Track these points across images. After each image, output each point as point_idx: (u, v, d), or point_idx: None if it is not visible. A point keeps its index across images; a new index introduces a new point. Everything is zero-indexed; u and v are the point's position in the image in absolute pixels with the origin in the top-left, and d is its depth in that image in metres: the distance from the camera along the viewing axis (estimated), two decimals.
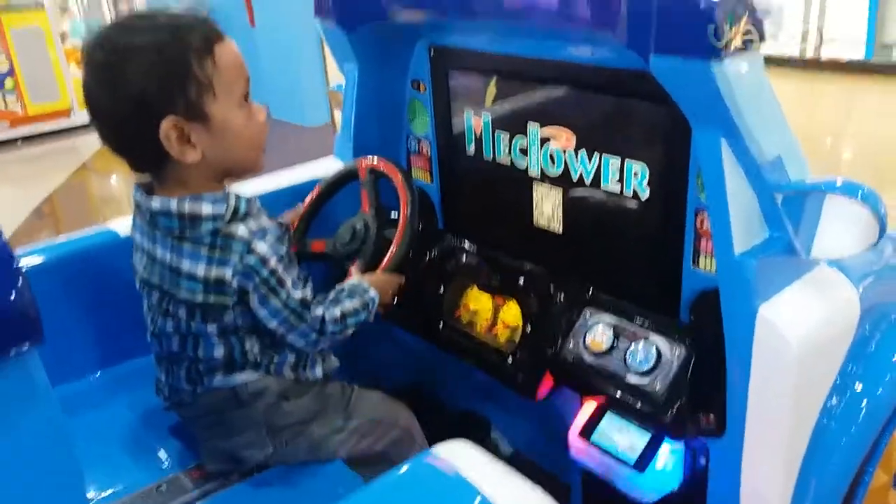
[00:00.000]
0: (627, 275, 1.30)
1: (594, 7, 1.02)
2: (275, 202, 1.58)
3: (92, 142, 6.18)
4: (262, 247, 1.02)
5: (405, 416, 1.28)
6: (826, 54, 7.02)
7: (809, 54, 7.07)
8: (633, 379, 1.16)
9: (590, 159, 1.28)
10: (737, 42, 0.90)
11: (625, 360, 1.18)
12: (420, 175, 1.70)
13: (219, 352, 1.08)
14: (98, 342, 1.37)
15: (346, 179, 1.49)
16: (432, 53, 1.53)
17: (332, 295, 1.17)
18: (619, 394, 1.17)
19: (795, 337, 0.99)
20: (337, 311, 1.13)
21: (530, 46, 1.32)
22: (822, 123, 5.86)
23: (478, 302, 1.43)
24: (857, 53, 6.97)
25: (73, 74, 6.35)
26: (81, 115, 6.25)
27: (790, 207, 1.02)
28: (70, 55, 6.74)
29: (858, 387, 1.18)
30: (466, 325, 1.43)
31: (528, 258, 1.44)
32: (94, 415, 1.27)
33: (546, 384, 1.28)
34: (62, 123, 6.16)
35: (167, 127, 0.96)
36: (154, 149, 0.98)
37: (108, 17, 7.32)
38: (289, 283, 1.05)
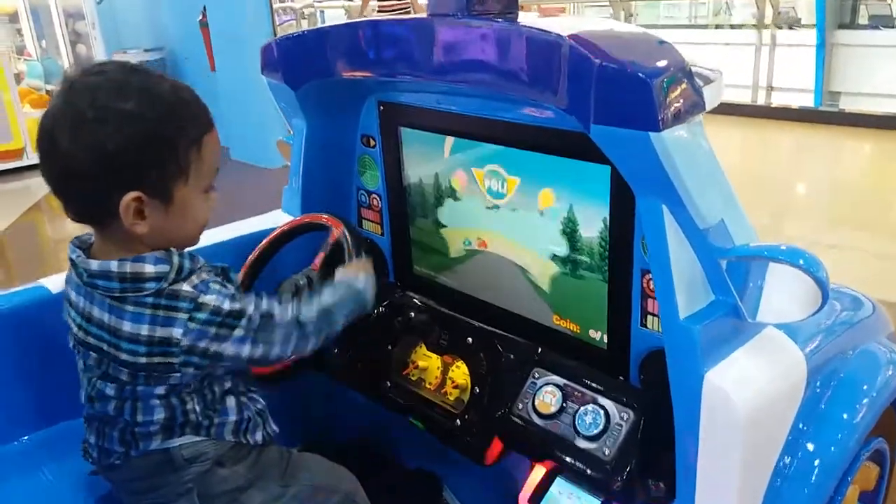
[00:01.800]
0: (576, 334, 1.29)
1: (536, 75, 1.03)
2: (220, 254, 1.55)
3: (43, 182, 6.11)
4: (209, 298, 0.99)
5: (347, 480, 1.24)
6: (776, 101, 7.30)
7: (760, 102, 7.33)
8: (581, 443, 1.14)
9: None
10: (675, 112, 0.91)
11: (573, 423, 1.15)
12: (371, 227, 1.68)
13: (159, 415, 1.04)
14: (24, 405, 1.29)
15: (304, 230, 1.47)
16: (381, 109, 1.53)
17: (306, 294, 1.17)
18: (567, 459, 1.15)
19: (743, 401, 0.98)
20: (313, 309, 1.11)
21: (478, 105, 1.32)
22: (773, 167, 6.04)
23: (426, 360, 1.40)
24: (806, 101, 7.26)
25: (27, 115, 6.25)
26: (34, 156, 6.14)
27: (735, 272, 1.02)
28: (24, 95, 6.65)
29: (810, 446, 1.18)
30: (415, 383, 1.40)
31: (477, 315, 1.42)
32: (18, 482, 1.20)
33: (496, 447, 1.25)
34: (15, 163, 6.04)
35: (129, 199, 0.94)
36: (106, 211, 0.96)
37: (65, 59, 7.25)
38: (249, 308, 1.02)
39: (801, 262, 0.94)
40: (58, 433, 1.27)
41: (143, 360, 0.99)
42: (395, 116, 1.51)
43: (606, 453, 1.11)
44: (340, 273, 1.25)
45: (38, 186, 5.93)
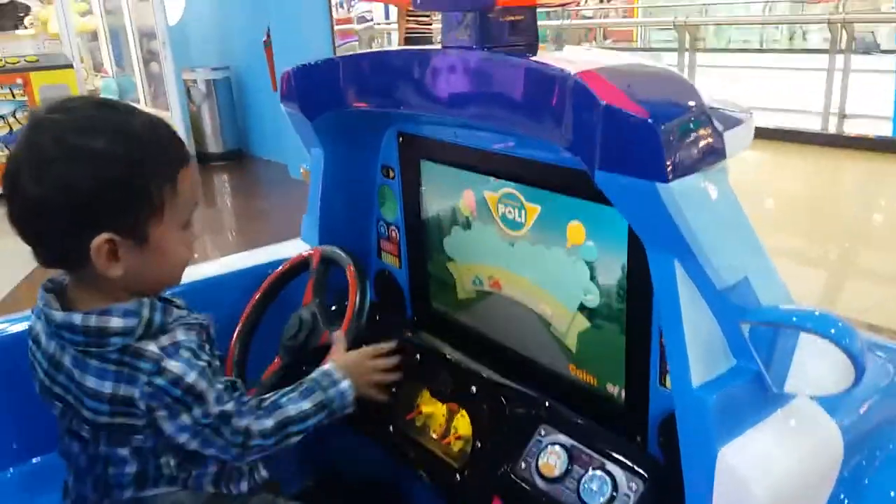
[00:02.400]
0: (593, 387, 1.20)
1: (540, 112, 0.95)
2: (236, 283, 1.53)
3: None
4: (173, 365, 0.93)
5: None
6: (849, 130, 6.96)
7: (832, 130, 7.00)
8: None
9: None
10: (688, 160, 0.82)
11: (578, 490, 1.06)
12: (389, 260, 1.62)
13: (130, 468, 1.00)
14: (7, 437, 1.27)
15: (294, 273, 1.43)
16: (401, 141, 1.48)
17: (274, 396, 1.09)
18: None
19: (762, 487, 0.87)
20: (269, 422, 1.05)
21: (495, 140, 1.25)
22: (845, 199, 5.74)
23: (431, 406, 1.33)
24: (883, 130, 6.89)
25: None
26: None
27: (761, 335, 0.91)
28: None
29: None
30: (419, 430, 1.33)
31: (491, 359, 1.34)
32: None
33: None
34: None
35: (101, 242, 0.90)
36: (76, 255, 0.91)
37: (138, 77, 7.53)
38: (211, 396, 0.97)
39: (833, 331, 0.83)
40: (42, 466, 1.24)
41: (104, 419, 0.94)
42: (415, 148, 1.45)
43: None
44: (330, 361, 1.20)
45: None
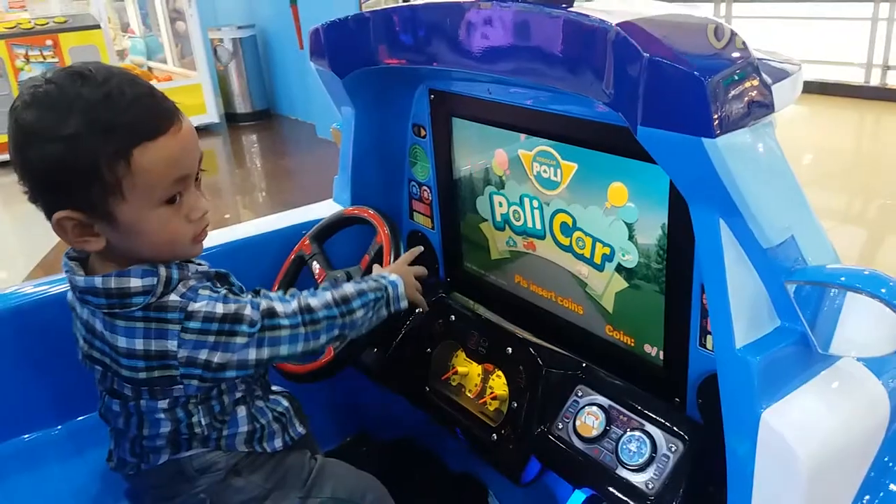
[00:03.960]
0: (630, 348, 1.18)
1: (579, 66, 0.92)
2: (270, 244, 1.53)
3: None
4: (199, 305, 0.93)
5: (375, 492, 1.19)
6: (893, 82, 6.71)
7: (875, 82, 6.76)
8: (624, 473, 1.04)
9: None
10: (736, 115, 0.78)
11: (616, 450, 1.05)
12: (421, 220, 1.61)
13: (165, 428, 1.01)
14: (58, 394, 1.30)
15: (346, 225, 1.43)
16: (432, 98, 1.45)
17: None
18: (608, 488, 1.05)
19: (806, 451, 0.85)
20: (328, 295, 1.05)
21: (530, 97, 1.22)
22: (888, 155, 5.56)
23: (467, 366, 1.33)
24: None
25: None
26: None
27: (807, 295, 0.89)
28: None
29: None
30: (454, 389, 1.33)
31: (525, 320, 1.33)
32: (50, 469, 1.21)
33: (533, 466, 1.17)
34: None
35: (59, 218, 0.89)
36: None
37: (165, 36, 7.51)
38: (246, 310, 0.96)
39: (884, 291, 0.80)
40: (90, 424, 1.27)
41: (142, 374, 0.95)
42: (446, 106, 1.42)
43: (650, 487, 1.01)
44: (375, 270, 1.19)
45: None
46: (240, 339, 0.95)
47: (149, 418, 1.00)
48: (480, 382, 1.29)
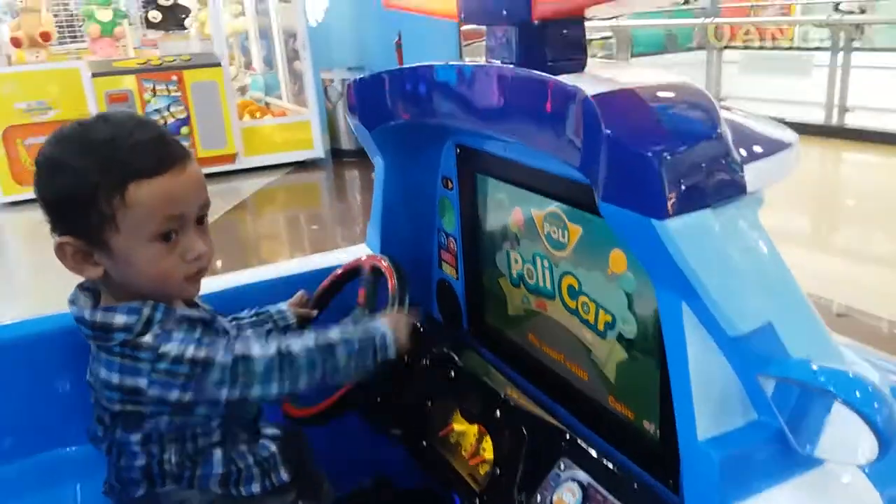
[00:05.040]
0: (630, 421, 1.13)
1: (556, 135, 0.90)
2: (296, 286, 1.56)
3: (252, 185, 6.78)
4: (169, 347, 0.97)
5: None
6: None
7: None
8: None
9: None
10: (694, 196, 0.75)
11: None
12: (448, 270, 1.61)
13: (140, 461, 1.05)
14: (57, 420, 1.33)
15: (348, 279, 1.45)
16: (458, 153, 1.46)
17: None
18: None
19: None
20: (311, 341, 1.05)
21: (538, 157, 1.21)
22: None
23: (463, 424, 1.30)
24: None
25: (246, 124, 6.96)
26: (245, 161, 6.83)
27: (787, 389, 0.82)
28: (245, 106, 7.41)
29: None
30: (451, 448, 1.31)
31: (538, 382, 1.30)
32: (42, 495, 1.27)
33: None
34: (227, 167, 6.74)
35: (59, 244, 0.97)
36: None
37: (281, 74, 7.96)
38: (218, 354, 0.98)
39: (858, 395, 0.73)
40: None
41: (117, 406, 1.00)
42: (471, 161, 1.43)
43: None
44: (368, 318, 1.20)
45: (246, 188, 6.61)
46: (209, 381, 0.98)
47: (125, 450, 1.05)
48: (475, 443, 1.27)
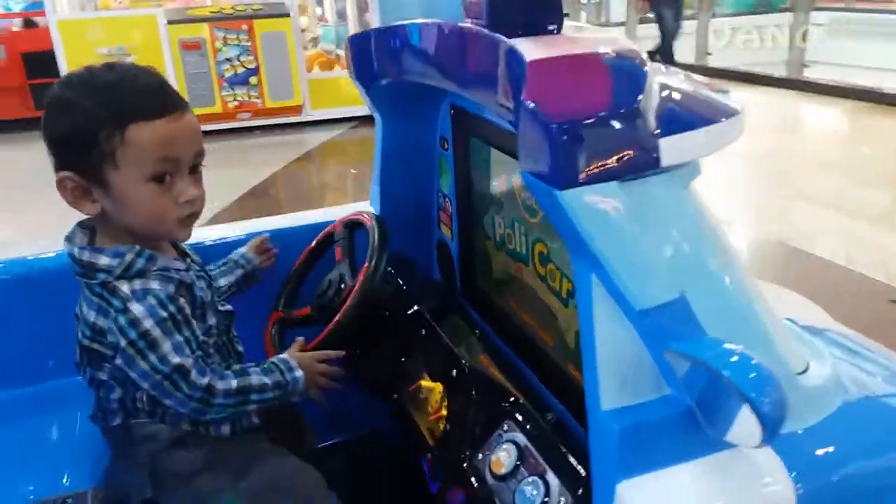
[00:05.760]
0: (577, 393, 1.14)
1: (502, 102, 0.90)
2: (304, 238, 1.61)
3: (317, 137, 6.89)
4: (136, 308, 1.03)
5: (311, 484, 1.22)
6: None
7: None
8: None
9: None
10: (599, 167, 0.74)
11: (514, 492, 1.03)
12: (445, 231, 1.64)
13: (115, 394, 1.13)
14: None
15: (325, 246, 1.49)
16: (453, 114, 1.47)
17: (241, 367, 1.16)
18: None
19: None
20: (233, 383, 1.11)
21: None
22: None
23: (430, 381, 1.34)
24: None
25: (315, 76, 7.05)
26: (312, 113, 6.95)
27: (698, 368, 0.81)
28: (316, 58, 7.49)
29: None
30: (419, 402, 1.35)
31: (515, 347, 1.32)
32: (44, 419, 1.37)
33: (455, 493, 1.16)
34: (293, 118, 6.88)
35: (60, 178, 1.04)
36: None
37: (351, 26, 8.00)
38: (166, 346, 1.04)
39: (747, 377, 0.73)
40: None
41: (86, 342, 1.08)
42: (464, 122, 1.44)
43: None
44: (288, 353, 1.23)
45: (311, 140, 6.75)
46: (142, 365, 1.03)
47: (104, 383, 1.13)
48: (440, 400, 1.30)
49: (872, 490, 0.91)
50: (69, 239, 1.11)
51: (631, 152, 0.75)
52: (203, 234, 1.52)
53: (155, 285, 1.06)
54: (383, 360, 1.40)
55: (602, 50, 0.87)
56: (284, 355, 1.21)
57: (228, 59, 6.40)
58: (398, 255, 1.55)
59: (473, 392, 1.20)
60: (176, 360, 1.04)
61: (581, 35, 1.00)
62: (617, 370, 0.83)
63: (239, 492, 1.17)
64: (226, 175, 5.70)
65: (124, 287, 1.04)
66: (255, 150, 6.48)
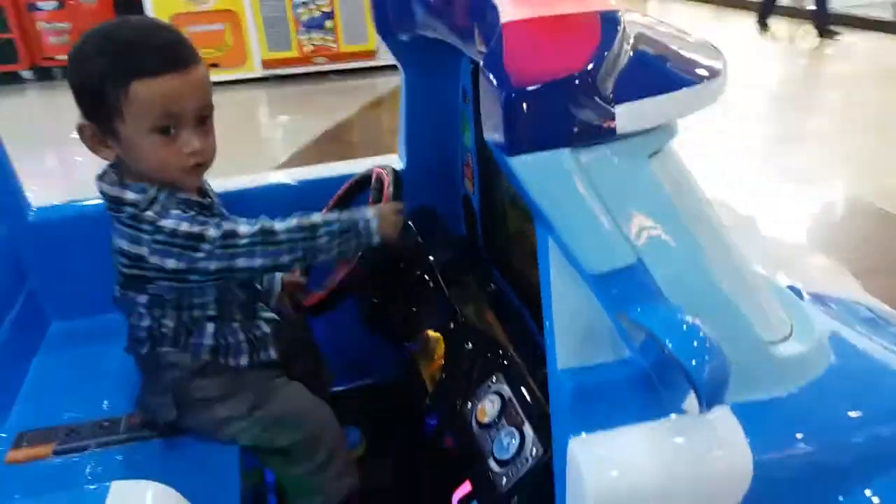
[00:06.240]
0: None
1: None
2: (315, 190, 1.62)
3: (390, 82, 6.92)
4: (166, 222, 1.11)
5: (321, 419, 1.29)
6: None
7: None
8: (492, 465, 1.05)
9: None
10: (548, 133, 0.75)
11: (493, 441, 1.07)
12: (468, 185, 1.66)
13: (145, 322, 1.22)
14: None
15: (357, 189, 1.53)
16: (472, 67, 1.47)
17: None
18: (478, 476, 1.08)
19: (596, 489, 0.82)
20: (293, 221, 1.16)
21: None
22: None
23: (435, 332, 1.39)
24: None
25: None
26: (385, 58, 6.95)
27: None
28: None
29: None
30: (427, 351, 1.40)
31: (529, 303, 1.35)
32: (93, 349, 1.50)
33: (448, 440, 1.22)
34: (367, 63, 6.90)
35: (79, 126, 1.13)
36: None
37: None
38: (210, 230, 1.10)
39: (687, 345, 0.73)
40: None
41: (126, 270, 1.17)
42: None
43: (503, 483, 1.02)
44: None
45: (383, 84, 6.78)
46: (200, 253, 1.11)
47: (134, 311, 1.23)
48: (441, 350, 1.35)
49: (835, 467, 0.91)
50: (100, 177, 1.20)
51: (584, 120, 0.75)
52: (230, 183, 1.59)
53: (173, 208, 1.14)
54: (397, 309, 1.46)
55: (577, 10, 0.86)
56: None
57: (304, 3, 6.46)
58: (422, 208, 1.58)
59: (468, 344, 1.24)
60: (218, 230, 1.10)
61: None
62: (574, 331, 0.85)
63: (253, 420, 1.25)
64: (301, 121, 5.85)
65: (148, 213, 1.12)
66: (328, 95, 6.57)
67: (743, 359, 0.88)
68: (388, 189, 1.40)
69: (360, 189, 1.56)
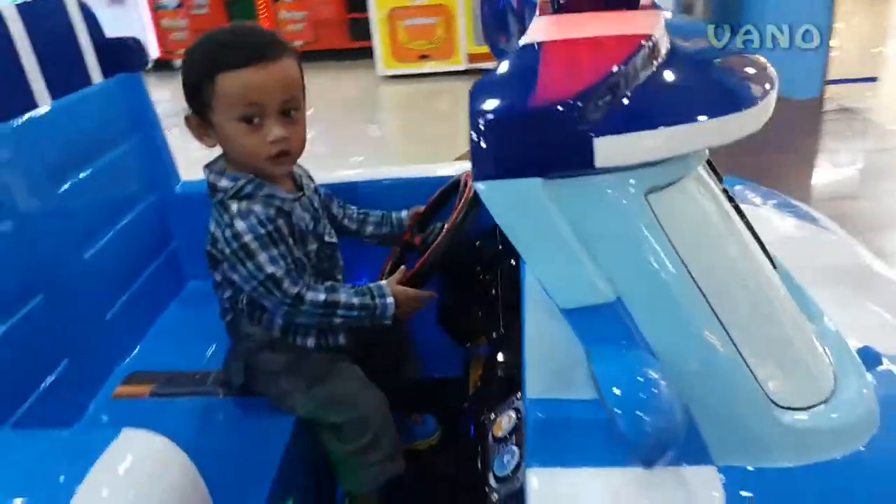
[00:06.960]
0: None
1: None
2: (412, 188, 1.68)
3: None
4: (239, 225, 1.23)
5: (371, 404, 1.35)
6: None
7: None
8: (491, 480, 1.05)
9: None
10: (517, 162, 0.75)
11: (498, 455, 1.07)
12: None
13: (227, 293, 1.38)
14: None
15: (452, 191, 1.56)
16: None
17: (332, 284, 1.31)
18: (479, 488, 1.08)
19: None
20: (321, 297, 1.26)
21: None
22: None
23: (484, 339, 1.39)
24: None
25: None
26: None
27: None
28: None
29: None
30: (475, 355, 1.42)
31: None
32: (215, 308, 1.68)
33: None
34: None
35: (186, 116, 1.29)
36: None
37: None
38: (261, 257, 1.22)
39: (631, 398, 0.70)
40: None
41: (208, 248, 1.33)
42: None
43: (493, 500, 1.02)
44: (386, 281, 1.34)
45: None
46: (241, 271, 1.24)
47: (220, 284, 1.38)
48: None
49: None
50: (207, 166, 1.35)
51: (558, 151, 0.74)
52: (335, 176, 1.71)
53: (257, 207, 1.25)
54: (462, 311, 1.49)
55: (596, 34, 0.84)
56: (383, 282, 1.34)
57: None
58: None
59: (500, 356, 1.24)
60: (270, 269, 1.23)
61: (623, 17, 0.95)
62: (541, 362, 0.83)
63: (309, 395, 1.35)
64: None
65: (233, 206, 1.26)
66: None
67: (742, 422, 0.81)
68: (460, 202, 1.41)
69: (455, 190, 1.59)
